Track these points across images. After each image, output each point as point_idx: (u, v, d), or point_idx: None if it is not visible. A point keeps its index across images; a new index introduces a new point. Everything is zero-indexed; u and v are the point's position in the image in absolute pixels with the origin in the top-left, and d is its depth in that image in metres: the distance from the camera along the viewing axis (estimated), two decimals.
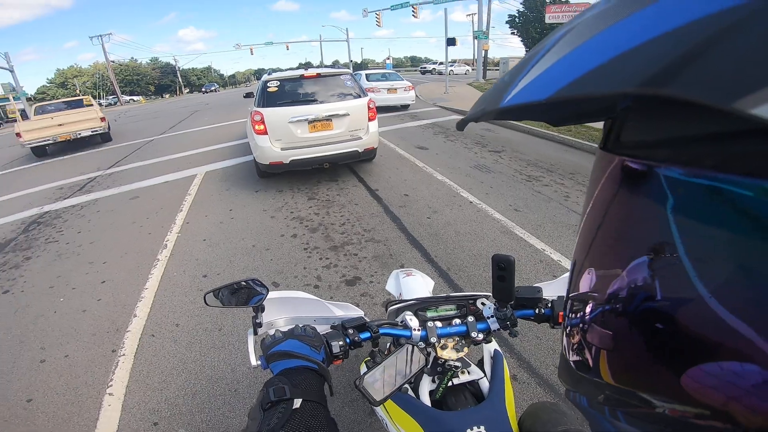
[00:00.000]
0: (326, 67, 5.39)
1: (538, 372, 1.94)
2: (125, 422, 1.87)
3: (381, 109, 5.65)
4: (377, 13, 26.89)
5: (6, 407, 2.03)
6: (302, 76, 4.80)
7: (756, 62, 0.15)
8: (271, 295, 0.84)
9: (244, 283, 0.81)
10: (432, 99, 12.90)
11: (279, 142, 4.56)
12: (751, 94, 0.14)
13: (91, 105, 10.54)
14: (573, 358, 0.36)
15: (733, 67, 0.15)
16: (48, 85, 55.73)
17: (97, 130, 9.80)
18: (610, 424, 0.31)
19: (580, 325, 0.34)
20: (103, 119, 9.94)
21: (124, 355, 2.32)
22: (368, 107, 4.86)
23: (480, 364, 0.90)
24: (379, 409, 0.89)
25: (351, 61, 49.81)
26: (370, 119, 4.86)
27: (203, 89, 50.59)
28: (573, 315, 0.36)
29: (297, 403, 0.60)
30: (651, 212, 0.25)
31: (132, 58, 63.68)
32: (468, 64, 39.35)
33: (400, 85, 11.03)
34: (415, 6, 24.31)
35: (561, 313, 0.78)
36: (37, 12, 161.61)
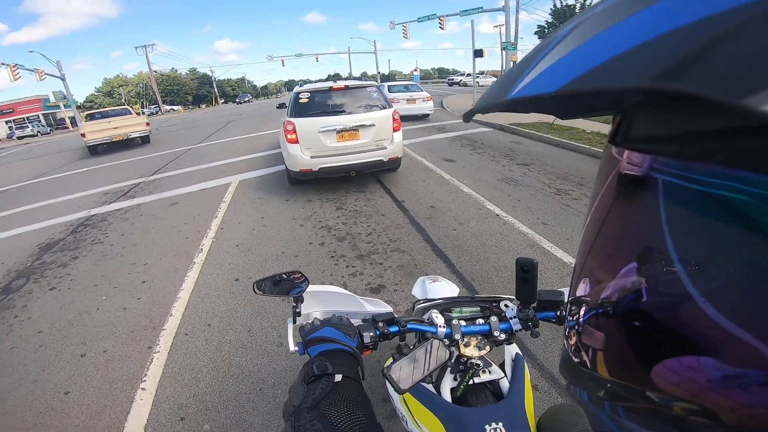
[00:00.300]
0: (353, 79, 5.69)
1: (559, 382, 1.94)
2: (154, 416, 1.97)
3: (402, 119, 5.75)
4: (404, 25, 27.29)
5: (44, 399, 2.17)
6: (331, 88, 5.04)
7: (766, 59, 0.15)
8: (311, 288, 0.90)
9: (285, 275, 0.87)
10: (459, 111, 12.93)
11: (309, 150, 4.81)
12: (762, 91, 0.15)
13: (138, 114, 12.89)
14: (573, 354, 0.36)
15: (744, 63, 0.15)
16: (96, 93, 59.02)
17: (144, 133, 12.31)
18: (609, 419, 0.31)
19: (576, 327, 0.35)
20: (147, 124, 12.48)
21: (158, 352, 2.46)
22: (393, 118, 5.04)
23: (502, 367, 0.93)
24: (400, 405, 0.94)
25: (378, 72, 50.49)
26: (394, 129, 5.05)
27: (237, 100, 52.60)
28: (570, 318, 0.37)
29: (338, 377, 0.65)
30: (654, 209, 0.25)
31: (173, 68, 66.28)
32: (495, 76, 39.16)
33: (419, 96, 11.78)
34: (441, 18, 24.42)
35: None
36: (86, 21, 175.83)
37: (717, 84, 0.16)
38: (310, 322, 0.79)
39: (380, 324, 0.81)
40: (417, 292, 1.31)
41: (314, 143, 4.79)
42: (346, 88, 5.07)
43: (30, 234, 5.01)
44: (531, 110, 0.33)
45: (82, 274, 3.71)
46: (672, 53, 0.17)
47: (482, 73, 35.21)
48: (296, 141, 4.79)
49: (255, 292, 0.88)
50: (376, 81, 48.03)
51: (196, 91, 63.88)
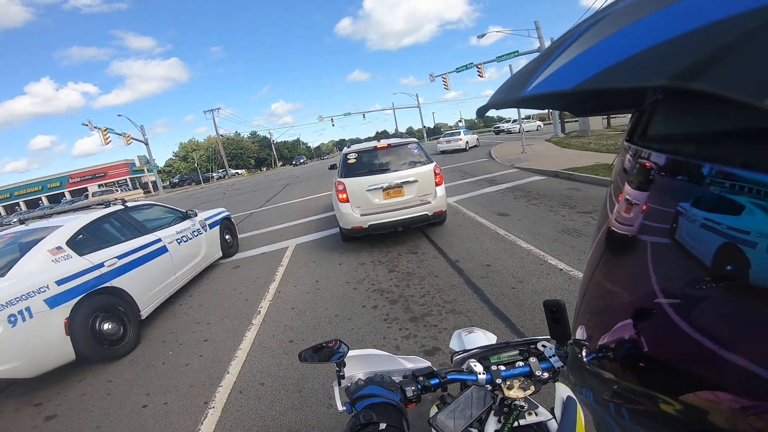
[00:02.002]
0: (400, 135, 6.08)
1: None
2: None
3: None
4: (444, 76, 28.25)
5: None
6: (375, 148, 5.40)
7: None
8: (351, 353, 0.96)
9: (324, 344, 0.95)
10: (509, 160, 12.82)
11: (359, 208, 5.11)
12: None
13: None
14: (583, 356, 0.36)
15: (766, 63, 0.15)
16: (173, 158, 64.76)
17: None
18: (613, 422, 0.31)
19: (590, 354, 0.35)
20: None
21: (213, 407, 2.59)
22: (434, 172, 5.25)
23: (553, 411, 0.93)
24: None
25: (424, 126, 52.39)
26: (437, 184, 5.25)
27: (293, 162, 56.91)
28: (578, 352, 0.37)
29: (383, 426, 0.69)
30: (670, 209, 0.24)
31: (236, 132, 72.92)
32: (541, 120, 38.73)
33: (454, 138, 21.16)
34: (479, 66, 25.16)
35: None
36: (163, 85, 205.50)
37: (738, 84, 0.16)
38: (354, 382, 0.85)
39: (421, 378, 0.84)
40: (455, 345, 1.34)
41: (363, 201, 5.08)
42: (389, 146, 5.39)
43: None
44: (546, 107, 0.34)
45: (153, 330, 4.09)
46: (692, 52, 0.18)
47: (528, 117, 35.13)
48: (347, 200, 5.10)
49: (300, 360, 0.96)
50: (423, 135, 49.19)
51: (258, 154, 68.72)
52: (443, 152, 21.34)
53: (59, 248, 3.48)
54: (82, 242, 3.70)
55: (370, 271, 4.62)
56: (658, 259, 0.26)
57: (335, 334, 3.31)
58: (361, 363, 0.99)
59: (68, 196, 43.89)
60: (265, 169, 63.14)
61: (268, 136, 70.79)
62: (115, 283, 3.72)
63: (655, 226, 0.27)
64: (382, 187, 5.07)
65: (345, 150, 5.66)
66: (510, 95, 0.32)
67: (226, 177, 50.70)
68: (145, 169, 35.82)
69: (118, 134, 29.80)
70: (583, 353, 0.35)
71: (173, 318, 4.34)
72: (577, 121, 20.61)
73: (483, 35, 25.61)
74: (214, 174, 55.17)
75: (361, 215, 5.08)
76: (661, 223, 0.26)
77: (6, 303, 2.85)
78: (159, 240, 4.53)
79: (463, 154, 18.66)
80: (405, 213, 5.08)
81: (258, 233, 7.92)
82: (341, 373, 0.92)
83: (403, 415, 0.76)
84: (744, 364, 0.20)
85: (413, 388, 0.82)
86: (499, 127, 35.18)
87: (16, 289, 2.96)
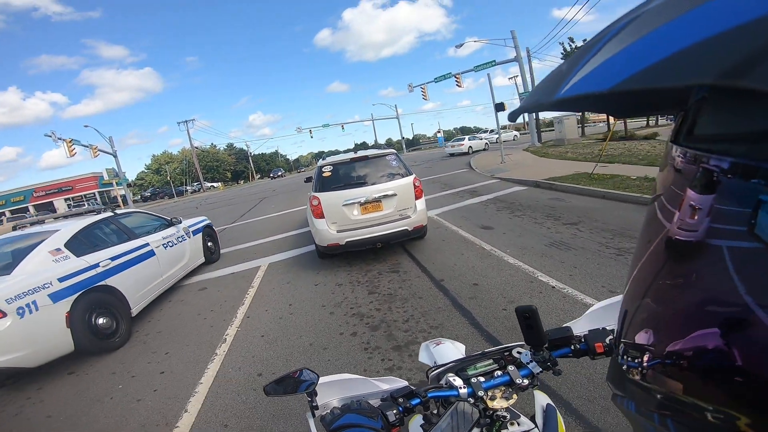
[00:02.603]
0: (380, 147, 6.16)
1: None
2: None
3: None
4: (422, 87, 28.55)
5: None
6: (352, 160, 5.11)
7: None
8: (322, 380, 0.91)
9: (290, 374, 0.89)
10: (489, 170, 12.79)
11: (335, 224, 4.80)
12: None
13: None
14: (629, 375, 0.37)
15: None
16: (146, 171, 62.16)
17: None
18: None
19: (639, 368, 0.35)
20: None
21: None
22: (414, 185, 4.99)
23: (534, 419, 0.92)
24: None
25: (403, 137, 52.64)
26: (417, 197, 4.98)
27: (271, 174, 56.00)
28: (630, 359, 0.37)
29: None
30: (730, 221, 0.24)
31: (212, 144, 69.55)
32: (518, 129, 39.49)
33: (458, 143, 24.34)
34: (457, 75, 25.54)
35: (598, 344, 0.81)
36: (135, 96, 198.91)
37: None
38: (329, 411, 0.79)
39: (400, 399, 0.81)
40: (424, 358, 1.28)
41: (339, 217, 4.78)
42: (367, 158, 5.11)
43: None
44: (581, 109, 0.34)
45: (102, 359, 3.71)
46: (737, 50, 0.17)
47: (504, 128, 35.67)
48: (322, 216, 4.79)
49: (266, 395, 0.91)
50: (402, 146, 49.69)
51: (234, 167, 66.55)
52: (451, 155, 23.68)
53: (58, 249, 3.81)
54: (78, 244, 4.03)
55: (348, 293, 4.27)
56: (743, 266, 0.24)
57: (309, 366, 3.01)
58: (334, 389, 0.94)
59: (32, 211, 41.73)
60: (242, 182, 61.79)
61: (245, 148, 69.05)
62: (109, 282, 4.06)
63: (729, 230, 0.25)
64: (359, 202, 4.79)
65: (320, 162, 5.40)
66: (543, 98, 0.31)
67: (201, 190, 49.38)
68: (114, 183, 34.15)
69: (85, 146, 28.33)
70: (645, 358, 0.34)
71: (127, 346, 3.96)
72: (553, 130, 21.12)
73: (461, 45, 26.03)
74: (188, 187, 53.34)
75: (338, 231, 4.79)
76: (737, 225, 0.24)
77: (15, 296, 3.17)
78: (147, 244, 4.82)
79: (443, 164, 18.57)
80: (384, 228, 4.80)
81: (229, 251, 7.43)
82: (314, 404, 0.85)
83: None
84: None
85: (395, 411, 0.78)
86: (476, 136, 35.54)
87: (23, 284, 3.29)
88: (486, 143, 25.36)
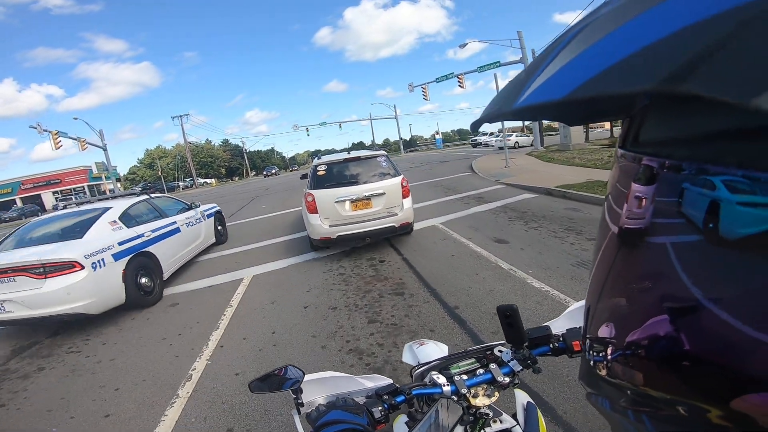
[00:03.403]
0: (377, 147, 7.13)
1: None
2: None
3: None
4: (423, 86, 27.74)
5: None
6: (345, 160, 5.48)
7: None
8: (308, 377, 0.92)
9: (277, 371, 0.90)
10: (493, 175, 12.15)
11: (327, 219, 5.18)
12: None
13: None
14: (597, 370, 0.38)
15: (751, 63, 0.15)
16: (138, 165, 60.57)
17: None
18: (634, 428, 0.32)
19: (604, 362, 0.36)
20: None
21: None
22: (402, 185, 5.36)
23: (515, 417, 0.96)
24: None
25: (401, 138, 51.94)
26: (404, 196, 5.37)
27: (264, 172, 54.77)
28: (595, 354, 0.38)
29: None
30: (670, 217, 0.25)
31: (207, 140, 68.36)
32: (520, 131, 38.84)
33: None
34: (460, 76, 24.81)
35: (575, 342, 0.84)
36: (132, 90, 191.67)
37: (724, 85, 0.15)
38: (315, 408, 0.79)
39: (386, 397, 0.82)
40: (408, 358, 1.26)
41: (332, 213, 5.16)
42: (359, 159, 5.48)
43: (11, 334, 4.54)
44: (538, 118, 0.34)
45: (41, 392, 3.16)
46: (678, 55, 0.17)
47: (523, 130, 35.00)
48: (315, 211, 5.19)
49: (251, 392, 0.91)
50: (400, 147, 49.07)
51: (229, 164, 64.90)
52: (500, 148, 21.99)
53: (115, 221, 4.74)
54: (128, 218, 4.97)
55: (343, 320, 3.59)
56: (684, 255, 0.25)
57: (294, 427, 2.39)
58: (319, 387, 0.94)
59: (19, 203, 40.45)
60: (236, 179, 60.33)
61: (241, 144, 66.88)
62: (150, 249, 4.96)
63: (668, 221, 0.26)
64: (350, 199, 5.16)
65: (315, 162, 5.71)
66: (503, 107, 0.31)
67: (193, 186, 47.58)
68: (103, 177, 32.97)
69: (73, 138, 27.29)
70: (608, 351, 0.35)
71: (72, 375, 3.31)
72: (558, 134, 20.55)
73: (464, 45, 25.03)
74: (180, 183, 51.41)
75: (330, 226, 5.16)
76: (674, 217, 0.25)
77: (90, 253, 4.02)
78: (174, 222, 5.79)
79: (443, 167, 17.86)
80: (372, 224, 5.18)
81: (210, 258, 6.71)
82: (299, 401, 0.85)
83: None
84: None
85: (380, 408, 0.79)
86: (476, 140, 34.97)
87: (95, 245, 4.18)
88: (532, 141, 24.45)
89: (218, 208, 7.84)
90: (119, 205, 5.08)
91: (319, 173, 5.37)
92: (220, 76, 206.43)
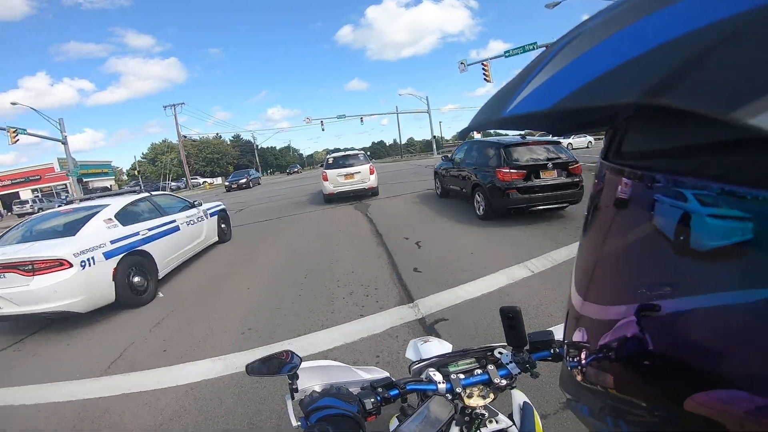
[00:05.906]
0: (352, 150, 14.56)
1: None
2: None
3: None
4: (484, 62, 23.52)
5: None
6: (342, 155, 11.47)
7: (751, 72, 0.15)
8: (305, 364, 0.91)
9: (274, 355, 0.89)
10: None
11: (331, 184, 10.60)
12: (748, 105, 0.14)
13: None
14: (574, 376, 0.37)
15: (729, 76, 0.15)
16: (142, 160, 55.79)
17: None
18: None
19: (579, 368, 0.36)
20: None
21: None
22: (370, 169, 10.88)
23: (511, 417, 0.94)
24: None
25: (434, 136, 45.85)
26: (371, 173, 10.81)
27: (288, 171, 52.52)
28: (571, 359, 0.38)
29: None
30: (650, 239, 0.25)
31: (217, 134, 63.50)
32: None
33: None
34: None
35: None
36: (159, 85, 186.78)
37: (704, 98, 0.16)
38: (308, 394, 0.81)
39: (380, 389, 0.83)
40: (411, 354, 1.27)
41: (334, 181, 10.58)
42: (348, 155, 11.43)
43: None
44: (526, 127, 0.34)
45: None
46: (660, 68, 0.17)
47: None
48: (327, 180, 10.60)
49: (248, 374, 0.90)
50: (432, 146, 43.76)
51: (238, 160, 60.07)
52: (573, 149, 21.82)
53: (110, 219, 4.74)
54: (124, 216, 4.98)
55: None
56: (654, 264, 0.26)
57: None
58: (316, 375, 0.94)
59: None
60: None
61: (251, 140, 62.63)
62: (145, 248, 4.92)
63: (642, 232, 0.27)
64: (344, 175, 10.64)
65: (327, 156, 12.13)
66: (492, 116, 0.32)
67: (186, 187, 41.82)
68: (67, 174, 27.30)
69: (29, 134, 22.20)
70: (582, 355, 0.35)
71: None
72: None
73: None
74: (171, 183, 44.27)
75: (333, 187, 10.58)
76: (647, 229, 0.26)
77: (80, 252, 4.02)
78: (174, 221, 5.78)
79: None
80: (354, 187, 10.62)
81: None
82: (294, 386, 0.86)
83: (360, 428, 0.75)
84: (759, 360, 0.19)
85: (372, 399, 0.80)
86: (444, 151, 31.14)
87: (86, 242, 4.19)
88: (589, 142, 24.71)
89: (223, 206, 7.80)
90: (116, 203, 5.11)
91: (329, 161, 11.19)
92: (243, 72, 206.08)
